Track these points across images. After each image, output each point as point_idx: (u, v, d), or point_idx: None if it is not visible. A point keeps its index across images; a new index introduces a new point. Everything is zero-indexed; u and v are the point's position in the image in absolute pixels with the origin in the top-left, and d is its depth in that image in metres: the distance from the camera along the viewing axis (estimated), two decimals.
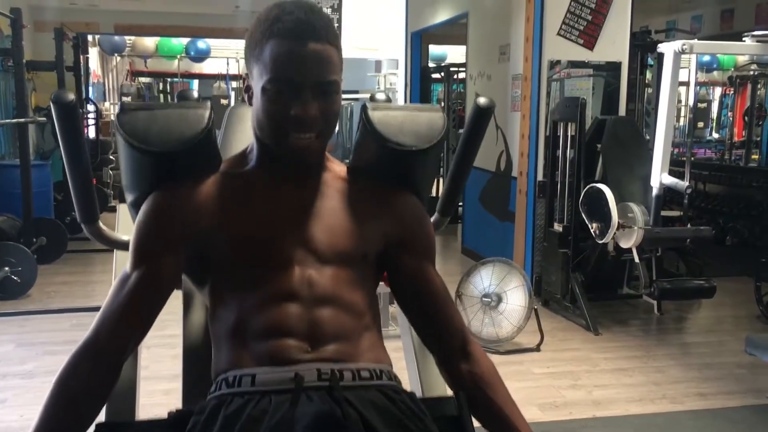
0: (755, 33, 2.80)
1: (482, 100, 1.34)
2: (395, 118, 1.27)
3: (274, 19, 1.13)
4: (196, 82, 11.44)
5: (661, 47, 2.88)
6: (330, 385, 1.09)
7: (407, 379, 1.50)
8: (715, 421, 3.17)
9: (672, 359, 3.91)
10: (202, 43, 10.39)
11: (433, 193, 4.16)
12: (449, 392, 1.30)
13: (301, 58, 1.11)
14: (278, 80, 1.12)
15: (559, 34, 4.90)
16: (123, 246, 1.35)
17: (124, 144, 1.18)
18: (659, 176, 3.92)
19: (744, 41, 3.14)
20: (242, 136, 1.49)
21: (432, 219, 1.45)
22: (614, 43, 4.97)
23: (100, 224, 1.36)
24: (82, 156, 1.26)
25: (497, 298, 4.04)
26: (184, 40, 10.55)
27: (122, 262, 1.21)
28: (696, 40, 3.86)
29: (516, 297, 4.01)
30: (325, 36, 1.14)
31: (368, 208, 1.24)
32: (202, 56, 10.87)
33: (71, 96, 1.19)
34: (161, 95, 11.20)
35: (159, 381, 2.98)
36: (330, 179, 1.25)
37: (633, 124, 4.94)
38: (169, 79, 11.31)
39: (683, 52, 2.82)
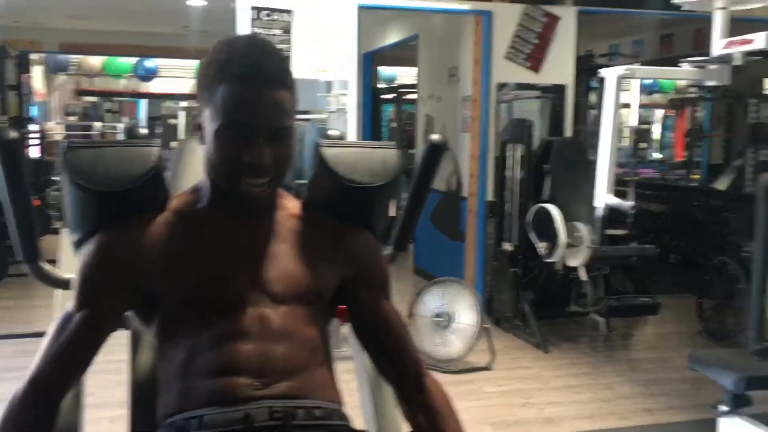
0: (691, 59, 2.92)
1: (435, 137, 1.37)
2: (349, 156, 1.27)
3: (226, 62, 1.12)
4: (144, 102, 11.28)
5: (603, 72, 2.98)
6: (282, 423, 1.07)
7: (359, 403, 1.50)
8: None
9: (619, 375, 3.99)
10: (150, 63, 10.26)
11: None
12: (403, 429, 1.30)
13: (253, 104, 1.10)
14: (230, 126, 1.11)
15: (506, 57, 5.00)
16: (66, 286, 1.33)
17: (69, 183, 1.16)
18: (603, 197, 4.02)
19: (680, 66, 3.28)
20: (194, 170, 1.48)
21: (386, 253, 1.46)
22: (560, 67, 5.09)
23: (42, 264, 1.33)
24: (24, 195, 1.23)
25: (449, 317, 4.06)
26: (132, 59, 10.40)
27: (64, 299, 1.19)
28: (636, 66, 4.00)
29: (467, 316, 4.04)
30: (279, 81, 1.13)
31: (322, 246, 1.23)
32: (150, 75, 10.73)
33: (13, 134, 1.16)
34: (108, 114, 10.99)
35: (105, 408, 2.90)
36: (283, 218, 1.23)
37: (579, 145, 5.06)
38: (116, 98, 11.12)
39: (624, 77, 2.91)
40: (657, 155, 10.79)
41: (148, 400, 1.24)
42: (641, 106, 9.78)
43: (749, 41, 2.20)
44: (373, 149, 1.31)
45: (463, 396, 3.63)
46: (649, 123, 10.72)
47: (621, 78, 2.90)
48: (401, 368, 1.27)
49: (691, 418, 3.40)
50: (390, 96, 8.51)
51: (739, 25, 2.87)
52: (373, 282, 1.27)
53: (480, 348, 4.04)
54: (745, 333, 3.18)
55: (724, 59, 2.55)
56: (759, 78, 6.64)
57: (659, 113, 11.11)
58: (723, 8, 2.38)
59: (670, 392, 3.73)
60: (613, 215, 4.66)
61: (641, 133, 9.88)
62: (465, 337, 4.01)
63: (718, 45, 2.33)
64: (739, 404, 2.45)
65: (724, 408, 2.47)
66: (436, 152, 1.37)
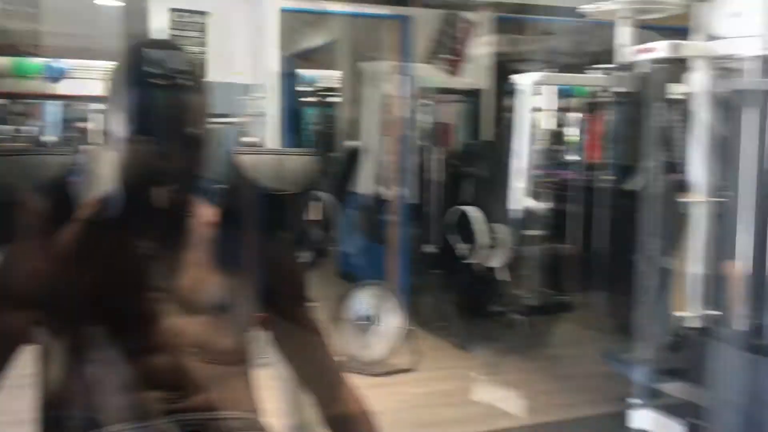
0: (599, 66, 3.04)
1: (353, 143, 1.38)
2: (265, 163, 1.27)
3: (136, 66, 1.09)
4: (55, 104, 10.84)
5: (516, 78, 3.07)
6: None
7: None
8: (575, 429, 3.35)
9: (539, 372, 4.10)
10: (60, 63, 9.87)
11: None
12: None
13: (164, 109, 1.08)
14: (140, 132, 1.08)
15: (426, 61, 5.07)
16: None
17: None
18: (519, 199, 4.11)
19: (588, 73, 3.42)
20: (105, 177, 1.43)
21: (305, 259, 1.45)
22: (478, 71, 5.20)
23: None
24: None
25: (372, 320, 4.08)
26: (42, 60, 9.97)
27: None
28: (548, 73, 4.13)
29: (390, 319, 4.07)
30: (190, 85, 1.10)
31: (237, 254, 1.21)
32: (59, 77, 10.31)
33: None
34: (16, 116, 10.51)
35: (15, 426, 2.77)
36: (196, 227, 1.20)
37: (497, 148, 5.17)
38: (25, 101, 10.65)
39: (537, 83, 3.00)
40: (573, 157, 11.15)
41: (57, 417, 1.19)
42: (558, 109, 10.09)
43: (653, 49, 2.31)
44: (290, 156, 1.32)
45: (386, 398, 3.65)
46: (565, 126, 11.07)
47: (534, 84, 3.00)
48: (317, 377, 1.26)
49: (605, 411, 3.52)
50: (313, 99, 8.46)
51: (654, 31, 2.98)
52: (289, 290, 1.27)
53: (403, 350, 4.07)
54: (653, 328, 3.35)
55: (629, 66, 2.67)
56: (665, 83, 6.93)
57: (575, 116, 11.47)
58: (628, 18, 2.49)
59: (586, 387, 3.86)
60: (532, 216, 4.79)
61: (557, 136, 10.18)
62: (388, 340, 4.04)
63: (624, 53, 2.43)
64: (649, 397, 2.56)
65: (635, 401, 2.58)
66: (354, 157, 1.38)
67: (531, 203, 4.14)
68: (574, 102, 11.53)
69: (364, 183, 5.73)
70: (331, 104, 7.79)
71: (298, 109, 7.75)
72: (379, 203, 5.54)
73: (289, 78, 7.39)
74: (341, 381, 1.28)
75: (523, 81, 3.18)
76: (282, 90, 6.90)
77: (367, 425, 1.26)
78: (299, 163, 1.30)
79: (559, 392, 3.79)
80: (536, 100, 3.80)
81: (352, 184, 1.55)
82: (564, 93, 10.98)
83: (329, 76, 8.53)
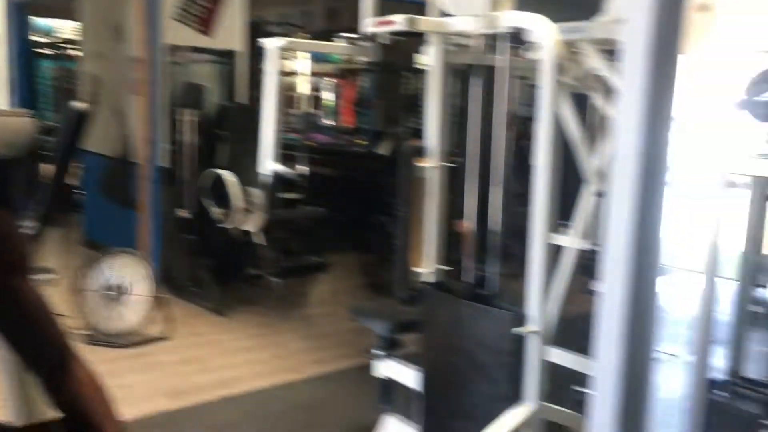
0: (344, 35, 3.15)
1: (77, 104, 1.29)
2: None
3: None
4: None
5: (265, 42, 3.06)
6: None
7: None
8: (328, 383, 3.52)
9: (294, 332, 4.22)
10: None
11: None
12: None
13: None
14: None
15: (175, 18, 4.85)
16: None
17: None
18: (269, 163, 4.12)
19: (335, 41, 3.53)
20: None
21: (31, 228, 1.34)
22: (231, 32, 5.09)
23: None
24: None
25: (121, 290, 3.89)
26: None
27: None
28: (295, 39, 4.18)
29: (141, 287, 3.92)
30: None
31: None
32: None
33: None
34: None
35: None
36: None
37: (252, 111, 5.14)
38: None
39: (284, 48, 3.03)
40: (328, 122, 11.45)
41: None
42: (313, 74, 10.24)
43: (391, 22, 2.44)
44: (6, 117, 1.20)
45: (138, 369, 3.53)
46: (321, 90, 11.29)
47: (279, 49, 3.03)
48: (40, 356, 1.19)
49: (354, 365, 3.73)
50: (49, 51, 7.71)
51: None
52: (6, 262, 1.17)
53: (157, 319, 3.95)
54: (395, 284, 3.60)
55: (372, 37, 2.80)
56: (409, 54, 7.36)
57: (330, 82, 11.74)
58: None
59: (338, 343, 4.06)
60: (287, 180, 4.86)
61: (315, 100, 10.37)
62: (139, 309, 3.89)
63: (366, 24, 2.54)
64: (390, 347, 2.76)
65: (378, 352, 2.76)
66: (78, 120, 1.30)
67: (279, 167, 4.16)
68: (329, 68, 11.81)
69: (112, 144, 5.38)
70: (72, 58, 7.16)
71: (30, 61, 7.02)
72: (127, 166, 5.25)
73: (19, 25, 6.65)
74: (69, 358, 1.22)
75: (270, 45, 3.17)
76: (9, 39, 6.19)
77: (100, 404, 1.22)
78: (16, 124, 1.19)
79: (315, 349, 3.94)
80: (289, 65, 3.82)
81: (74, 150, 1.43)
82: (319, 58, 11.20)
83: (69, 26, 7.84)
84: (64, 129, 1.31)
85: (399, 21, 2.41)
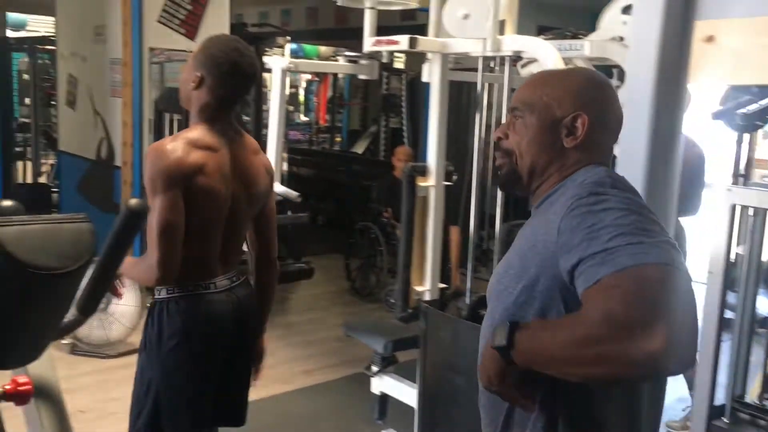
0: (346, 54, 3.13)
1: (134, 203, 1.20)
2: (34, 235, 1.05)
3: None
4: None
5: (269, 62, 3.03)
6: None
7: None
8: (320, 395, 3.52)
9: (280, 340, 4.20)
10: None
11: None
12: None
13: None
14: None
15: (159, 21, 4.78)
16: None
17: None
18: None
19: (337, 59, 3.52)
20: None
21: (71, 318, 1.29)
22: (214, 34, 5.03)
23: None
24: None
25: (106, 299, 3.84)
26: None
27: None
28: (300, 60, 4.14)
29: (127, 297, 3.86)
30: None
31: None
32: None
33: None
34: None
35: None
36: None
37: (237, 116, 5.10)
38: None
39: (289, 70, 3.02)
40: (304, 118, 11.39)
41: None
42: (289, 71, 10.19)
43: (395, 42, 2.44)
44: (62, 224, 1.09)
45: (125, 381, 3.47)
46: (296, 87, 11.23)
47: (285, 70, 3.03)
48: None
49: (345, 374, 3.75)
50: (23, 45, 7.51)
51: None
52: None
53: (142, 328, 3.90)
54: (388, 293, 3.61)
55: (373, 56, 2.79)
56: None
57: (305, 78, 11.67)
58: (371, 8, 2.60)
59: (326, 351, 4.06)
60: None
61: (292, 97, 10.30)
62: (125, 319, 3.84)
63: (368, 43, 2.53)
64: (387, 364, 2.78)
65: (375, 368, 2.78)
66: (134, 219, 1.21)
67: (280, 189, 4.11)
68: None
69: (93, 147, 5.30)
70: (46, 52, 6.98)
71: (3, 57, 6.85)
72: (109, 169, 5.17)
73: None
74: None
75: (275, 66, 3.10)
76: None
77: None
78: (73, 231, 1.10)
79: (302, 359, 3.94)
80: (286, 87, 3.78)
81: (126, 250, 1.36)
82: (295, 54, 11.11)
83: (44, 22, 7.66)
84: (119, 226, 1.21)
85: (402, 41, 2.41)
